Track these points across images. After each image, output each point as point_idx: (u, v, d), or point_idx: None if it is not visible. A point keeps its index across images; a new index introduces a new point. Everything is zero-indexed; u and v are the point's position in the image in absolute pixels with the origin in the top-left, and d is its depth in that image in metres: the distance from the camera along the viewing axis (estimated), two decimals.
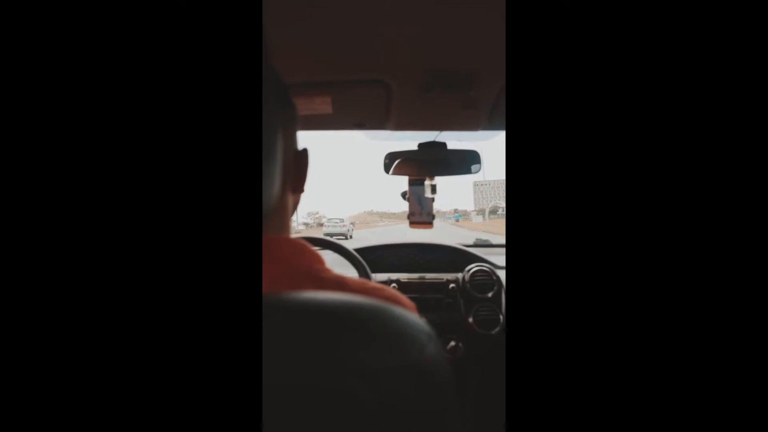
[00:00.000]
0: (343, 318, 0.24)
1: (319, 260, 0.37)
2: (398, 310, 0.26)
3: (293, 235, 0.41)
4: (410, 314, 0.26)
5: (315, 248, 0.37)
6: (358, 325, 0.24)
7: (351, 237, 19.59)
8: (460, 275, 1.23)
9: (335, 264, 1.28)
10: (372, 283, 0.36)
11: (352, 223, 26.46)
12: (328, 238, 1.15)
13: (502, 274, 1.22)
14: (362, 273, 1.07)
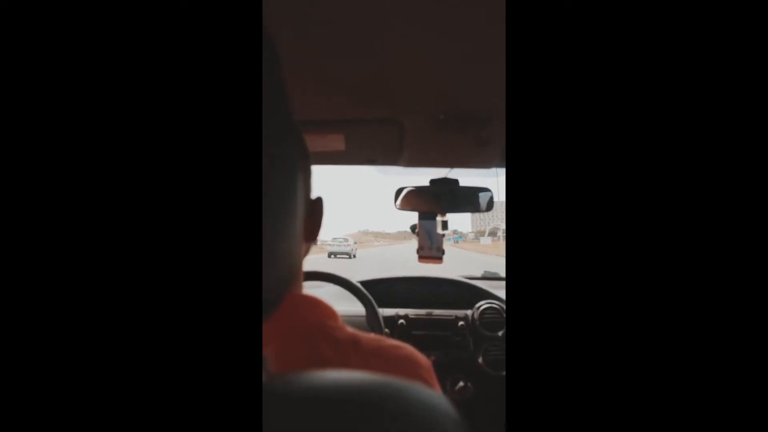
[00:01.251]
0: (362, 409, 0.22)
1: (333, 316, 0.35)
2: (423, 393, 0.24)
3: None
4: (435, 397, 0.24)
5: (322, 287, 0.35)
6: (381, 417, 0.22)
7: (354, 256, 20.15)
8: (469, 312, 1.20)
9: (341, 297, 1.26)
10: (387, 342, 0.34)
11: (355, 243, 26.99)
12: (336, 274, 1.13)
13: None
14: (370, 309, 1.04)
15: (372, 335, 0.34)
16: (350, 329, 0.34)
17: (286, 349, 0.30)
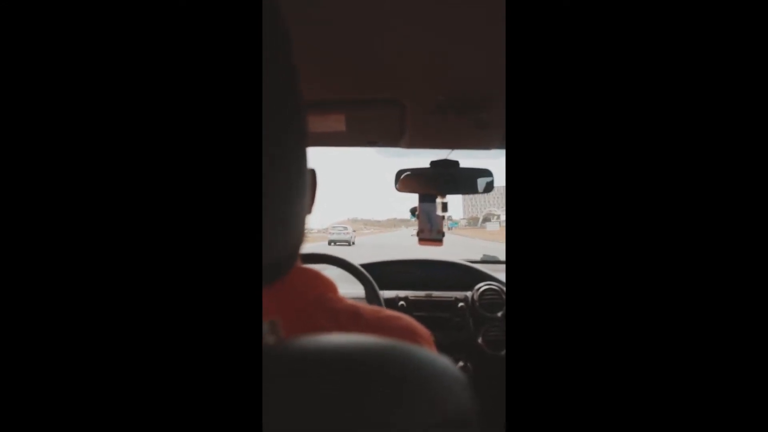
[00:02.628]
0: (371, 371, 0.22)
1: (332, 288, 0.35)
2: (430, 356, 0.24)
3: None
4: (442, 361, 0.25)
5: (323, 270, 0.35)
6: (388, 379, 0.21)
7: (353, 243, 20.72)
8: (468, 294, 1.21)
9: (342, 279, 1.26)
10: (386, 312, 0.34)
11: (354, 231, 27.87)
12: (334, 254, 1.13)
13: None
14: (370, 290, 1.04)
15: (372, 306, 0.34)
16: (350, 301, 0.34)
17: (284, 321, 0.30)
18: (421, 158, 1.05)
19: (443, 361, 0.25)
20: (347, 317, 0.32)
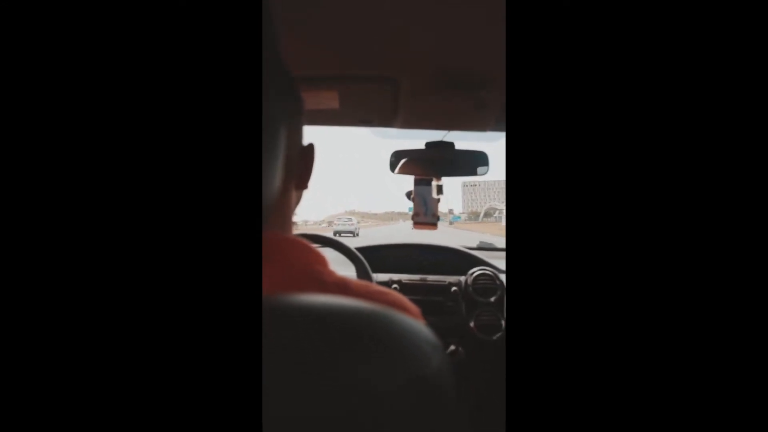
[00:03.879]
0: (344, 328, 0.22)
1: (322, 261, 0.35)
2: (402, 318, 0.25)
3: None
4: (414, 323, 0.25)
5: (316, 246, 0.36)
6: (359, 337, 0.22)
7: (358, 234, 21.82)
8: (462, 278, 1.21)
9: (336, 262, 1.26)
10: (376, 287, 0.35)
11: (358, 222, 29.36)
12: (329, 235, 1.13)
13: (505, 278, 1.20)
14: (362, 272, 1.04)
15: (361, 281, 0.34)
16: (339, 274, 0.34)
17: (270, 289, 0.30)
18: (417, 141, 1.04)
19: (417, 325, 0.25)
20: (336, 289, 0.32)
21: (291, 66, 0.35)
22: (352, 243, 1.22)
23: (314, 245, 0.36)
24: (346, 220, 26.65)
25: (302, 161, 0.38)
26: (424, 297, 1.18)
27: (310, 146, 0.39)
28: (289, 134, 0.35)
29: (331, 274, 0.34)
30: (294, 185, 0.38)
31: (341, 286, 0.33)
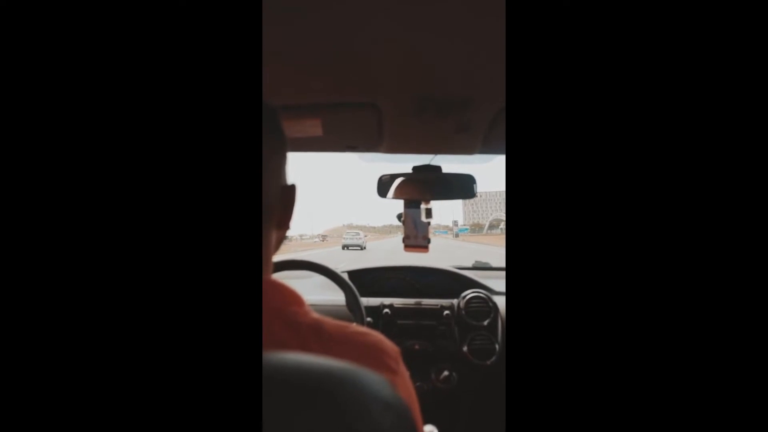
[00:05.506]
0: (292, 389, 0.23)
1: (298, 302, 0.35)
2: (362, 379, 0.24)
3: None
4: (375, 382, 0.25)
5: (308, 278, 0.35)
6: (307, 399, 0.22)
7: (365, 248, 23.16)
8: (455, 301, 1.19)
9: (326, 287, 1.24)
10: (353, 328, 0.34)
11: (365, 236, 30.55)
12: (316, 261, 1.11)
13: (498, 301, 1.18)
14: (351, 298, 1.02)
15: (339, 322, 0.34)
16: (315, 315, 0.34)
17: None
18: (406, 165, 1.03)
19: (378, 384, 0.25)
20: (309, 331, 0.32)
21: (272, 96, 0.34)
22: (355, 256, 1.20)
23: (290, 275, 0.36)
24: (354, 234, 27.38)
25: (284, 201, 0.38)
26: (416, 321, 1.16)
27: (292, 187, 0.39)
28: (271, 173, 0.34)
29: (306, 314, 0.33)
30: (274, 225, 0.37)
31: (315, 328, 0.32)
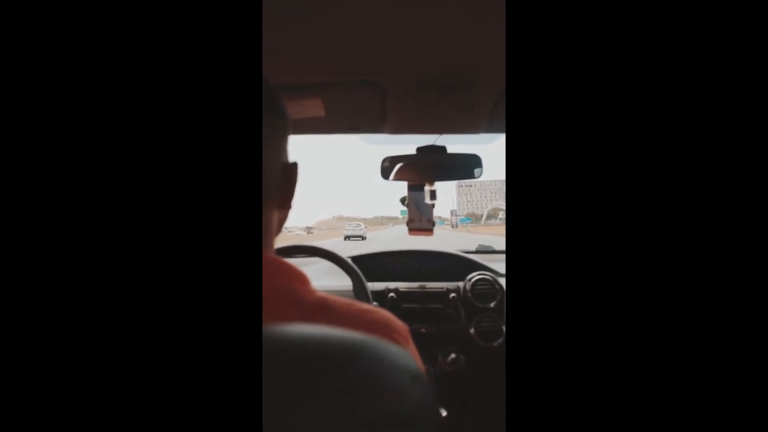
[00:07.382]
0: (318, 361, 0.22)
1: (303, 280, 0.34)
2: (381, 347, 0.23)
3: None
4: (395, 350, 0.24)
5: (298, 260, 0.35)
6: (333, 371, 0.21)
7: (365, 238, 24.10)
8: (461, 284, 1.18)
9: (331, 272, 1.24)
10: (359, 305, 0.33)
11: (366, 227, 32.77)
12: (320, 246, 1.10)
13: (505, 283, 1.18)
14: (357, 282, 1.02)
15: (345, 299, 0.33)
16: (320, 293, 0.33)
17: None
18: (408, 146, 1.02)
19: (399, 352, 0.24)
20: (315, 310, 0.31)
21: (273, 75, 0.33)
22: (354, 247, 1.20)
23: (295, 262, 0.35)
24: (355, 225, 29.73)
25: (285, 180, 0.37)
26: (422, 305, 1.16)
27: (294, 165, 0.38)
28: (272, 151, 0.34)
29: (311, 293, 0.33)
30: (276, 204, 0.36)
31: (321, 306, 0.32)
